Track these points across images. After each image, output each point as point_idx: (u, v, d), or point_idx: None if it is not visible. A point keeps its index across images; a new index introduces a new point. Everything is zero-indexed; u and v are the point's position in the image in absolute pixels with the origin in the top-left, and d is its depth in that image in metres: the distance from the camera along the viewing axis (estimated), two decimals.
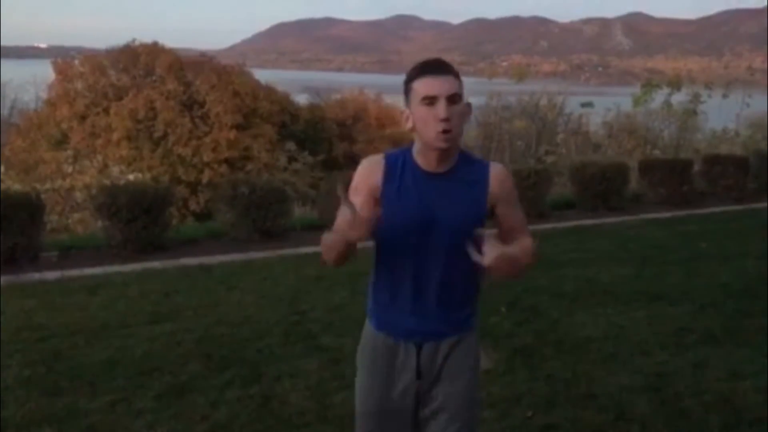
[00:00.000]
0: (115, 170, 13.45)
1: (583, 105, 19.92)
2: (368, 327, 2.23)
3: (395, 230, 1.99)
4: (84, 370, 4.08)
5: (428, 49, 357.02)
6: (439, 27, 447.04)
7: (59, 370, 4.10)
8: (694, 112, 16.65)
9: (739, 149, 15.19)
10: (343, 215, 1.86)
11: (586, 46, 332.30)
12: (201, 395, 3.79)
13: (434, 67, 1.92)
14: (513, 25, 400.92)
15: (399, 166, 2.01)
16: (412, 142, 2.04)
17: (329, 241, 1.97)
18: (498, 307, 5.26)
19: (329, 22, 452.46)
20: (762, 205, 10.15)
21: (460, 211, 1.97)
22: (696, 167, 10.38)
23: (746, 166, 10.26)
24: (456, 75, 1.93)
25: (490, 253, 1.83)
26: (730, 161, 10.29)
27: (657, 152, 15.58)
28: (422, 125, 1.91)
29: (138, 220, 6.77)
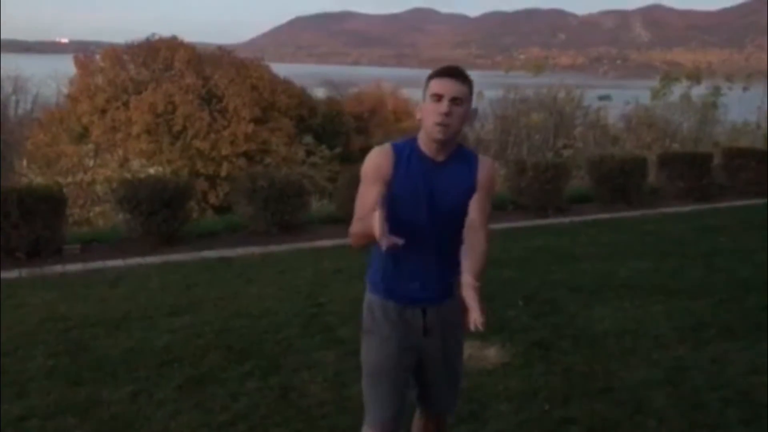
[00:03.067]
0: (135, 164, 13.57)
1: (601, 98, 19.82)
2: (373, 296, 2.50)
3: (403, 209, 2.27)
4: (106, 361, 4.15)
5: (445, 42, 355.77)
6: (457, 20, 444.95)
7: (82, 360, 4.17)
8: (714, 105, 16.52)
9: (760, 142, 15.06)
10: (363, 205, 2.27)
11: (605, 39, 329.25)
12: (221, 386, 3.84)
13: (449, 71, 2.25)
14: (531, 17, 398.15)
15: (406, 153, 2.32)
16: (416, 133, 2.36)
17: (359, 230, 2.23)
18: (515, 301, 5.28)
19: (347, 15, 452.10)
20: None
21: (456, 192, 2.29)
22: (716, 161, 10.29)
23: (765, 160, 10.14)
24: (467, 83, 2.26)
25: (473, 308, 2.07)
26: (750, 154, 10.20)
27: (676, 145, 15.45)
28: (426, 116, 2.25)
29: (158, 213, 6.85)
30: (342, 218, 7.96)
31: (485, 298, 2.10)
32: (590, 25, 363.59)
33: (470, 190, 2.30)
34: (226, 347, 4.39)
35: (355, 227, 2.27)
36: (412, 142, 2.34)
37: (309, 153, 29.49)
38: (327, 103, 39.69)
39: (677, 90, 17.90)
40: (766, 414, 3.59)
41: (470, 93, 2.27)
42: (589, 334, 4.72)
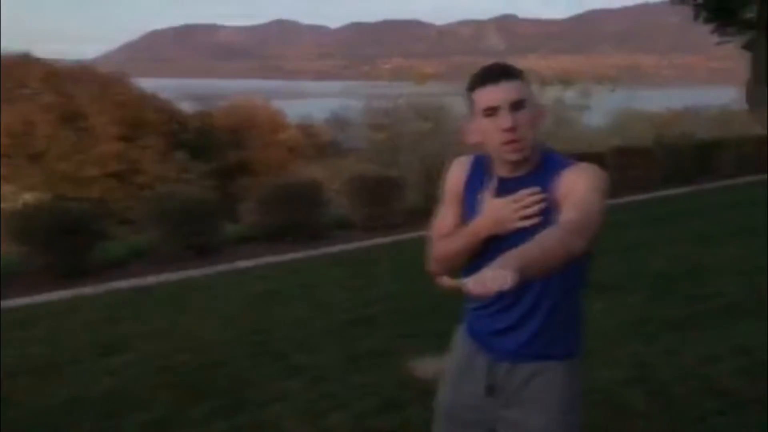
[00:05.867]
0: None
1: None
2: (462, 327, 2.03)
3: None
4: (42, 416, 3.67)
5: (310, 53, 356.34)
6: (319, 31, 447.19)
7: (10, 417, 3.66)
8: (586, 107, 17.48)
9: (617, 141, 15.96)
10: (441, 227, 1.90)
11: (463, 48, 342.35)
12: (184, 430, 3.49)
13: (495, 73, 1.75)
14: (390, 28, 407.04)
15: (481, 170, 1.88)
16: None
17: (454, 247, 1.84)
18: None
19: (208, 29, 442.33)
20: (667, 192, 10.73)
21: (544, 219, 1.73)
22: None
23: (652, 157, 10.78)
24: (521, 78, 1.77)
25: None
26: (637, 152, 10.79)
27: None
28: (487, 138, 1.77)
29: (59, 243, 6.23)
30: (259, 237, 7.64)
31: None
32: (448, 34, 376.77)
33: (550, 208, 1.73)
34: (176, 386, 4.01)
35: (445, 246, 1.85)
36: (490, 157, 1.87)
37: (183, 169, 28.47)
38: (198, 118, 38.58)
39: (550, 93, 18.75)
40: (737, 402, 3.69)
41: (529, 89, 1.79)
42: None
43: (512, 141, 1.73)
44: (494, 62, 1.82)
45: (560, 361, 1.86)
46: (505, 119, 1.71)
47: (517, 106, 1.72)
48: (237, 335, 4.82)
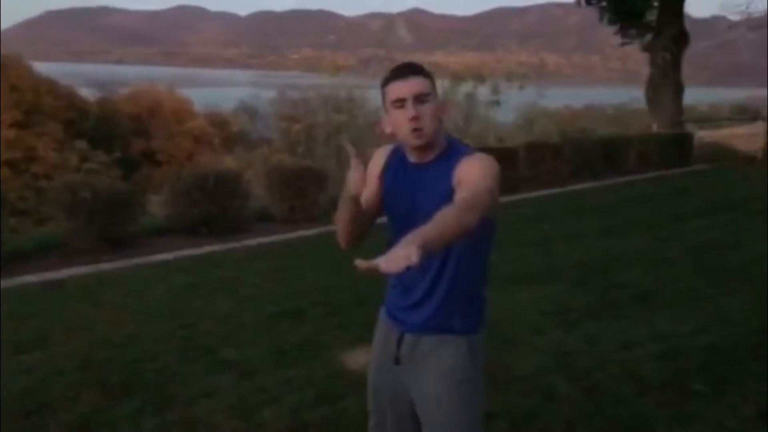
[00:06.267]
0: None
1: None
2: (383, 306, 2.28)
3: (391, 219, 2.12)
4: None
5: (215, 40, 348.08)
6: (226, 18, 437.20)
7: None
8: (497, 103, 17.91)
9: (525, 137, 16.47)
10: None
11: (372, 41, 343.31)
12: (111, 429, 3.35)
13: (401, 71, 2.01)
14: (300, 18, 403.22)
15: (397, 158, 2.13)
16: None
17: (339, 213, 2.05)
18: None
19: (105, 11, 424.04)
20: (576, 187, 11.15)
21: (436, 200, 1.92)
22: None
23: (562, 153, 11.17)
24: (425, 75, 2.02)
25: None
26: (548, 148, 11.15)
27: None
28: (397, 127, 2.01)
29: None
30: (175, 228, 7.42)
31: None
32: (357, 27, 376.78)
33: (447, 194, 1.92)
34: (99, 383, 3.84)
35: (337, 214, 2.06)
36: (404, 146, 2.10)
37: (84, 159, 27.23)
38: (99, 105, 37.04)
39: (462, 90, 19.08)
40: (654, 385, 3.90)
41: (433, 85, 2.03)
42: None
43: (417, 129, 1.96)
44: (404, 61, 2.07)
45: (460, 335, 2.06)
46: (410, 109, 1.95)
47: (421, 98, 1.97)
48: (161, 330, 4.66)
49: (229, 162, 15.91)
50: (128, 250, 6.76)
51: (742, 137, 16.00)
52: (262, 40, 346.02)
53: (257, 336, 4.61)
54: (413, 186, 2.04)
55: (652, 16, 16.38)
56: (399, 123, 1.98)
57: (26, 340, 4.43)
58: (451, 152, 2.03)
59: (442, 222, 1.66)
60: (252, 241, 7.32)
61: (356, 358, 4.18)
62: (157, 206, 8.39)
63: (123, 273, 6.08)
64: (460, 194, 1.85)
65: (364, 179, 1.95)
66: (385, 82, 2.02)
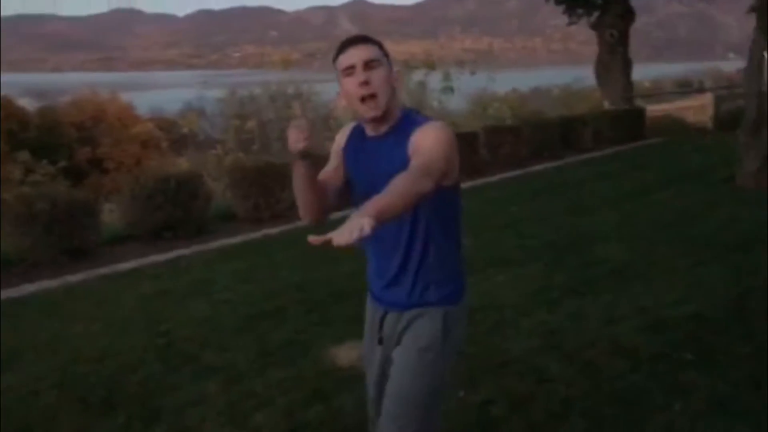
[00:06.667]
0: None
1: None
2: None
3: (355, 193, 2.11)
4: None
5: (156, 43, 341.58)
6: (165, 20, 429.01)
7: None
8: (451, 90, 17.85)
9: (478, 122, 16.54)
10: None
11: (315, 34, 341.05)
12: None
13: (349, 41, 2.00)
14: (240, 15, 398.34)
15: (356, 133, 2.12)
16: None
17: (294, 183, 2.03)
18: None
19: (39, 19, 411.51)
20: (538, 167, 11.21)
21: (394, 171, 1.83)
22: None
23: (521, 134, 11.21)
24: (374, 43, 2.01)
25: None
26: (508, 131, 11.17)
27: None
28: (348, 97, 1.98)
29: None
30: (136, 235, 7.19)
31: None
32: (300, 21, 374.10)
33: (406, 164, 1.86)
34: (81, 400, 3.67)
35: (293, 184, 2.05)
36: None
37: (28, 171, 26.41)
38: (40, 115, 35.98)
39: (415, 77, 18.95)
40: (645, 358, 3.90)
41: (383, 53, 2.00)
42: None
43: (368, 97, 1.93)
44: (353, 35, 2.05)
45: (437, 307, 2.05)
46: (359, 75, 1.93)
47: (370, 64, 1.94)
48: (138, 340, 4.49)
49: (182, 164, 15.53)
50: (90, 260, 6.51)
51: (691, 109, 16.35)
52: (203, 39, 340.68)
53: (238, 339, 4.47)
54: (371, 158, 2.03)
55: None
56: (350, 91, 1.95)
57: None
58: (407, 122, 2.00)
59: (394, 190, 1.66)
60: (218, 243, 7.14)
61: (344, 354, 4.09)
62: (109, 214, 8.11)
63: (89, 284, 5.85)
64: (414, 161, 1.84)
65: (305, 136, 1.90)
66: (336, 55, 2.00)
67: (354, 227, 1.45)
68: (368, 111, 1.95)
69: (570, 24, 17.25)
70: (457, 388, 3.63)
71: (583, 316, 4.62)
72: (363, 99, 1.93)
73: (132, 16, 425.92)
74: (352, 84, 1.94)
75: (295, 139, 1.90)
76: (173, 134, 37.12)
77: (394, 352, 2.09)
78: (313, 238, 1.52)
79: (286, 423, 3.37)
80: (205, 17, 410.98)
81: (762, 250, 5.88)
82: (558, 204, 8.27)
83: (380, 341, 2.14)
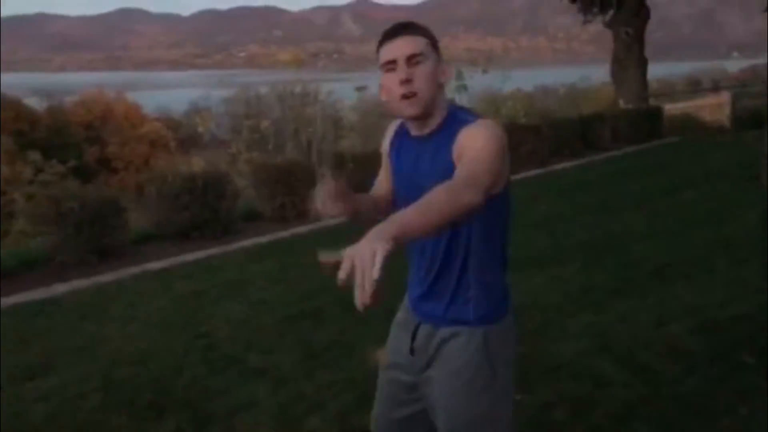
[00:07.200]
0: None
1: (359, 89, 20.33)
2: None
3: (399, 197, 1.95)
4: None
5: (160, 43, 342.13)
6: (170, 19, 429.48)
7: None
8: (465, 88, 17.77)
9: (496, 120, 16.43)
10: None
11: (319, 34, 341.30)
12: None
13: (393, 30, 1.81)
14: (245, 15, 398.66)
15: (401, 132, 1.97)
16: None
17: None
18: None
19: (43, 18, 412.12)
20: (559, 166, 11.13)
21: (438, 176, 1.70)
22: None
23: (541, 133, 11.12)
24: (423, 34, 1.81)
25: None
26: (528, 129, 11.08)
27: None
28: (389, 93, 1.81)
29: None
30: (163, 234, 7.12)
31: None
32: (304, 21, 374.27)
33: (449, 169, 1.70)
34: (128, 404, 3.59)
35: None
36: None
37: (38, 170, 26.38)
38: (49, 114, 36.09)
39: None
40: (701, 362, 3.81)
41: (432, 45, 1.81)
42: None
43: (409, 95, 1.76)
44: (399, 21, 1.86)
45: (475, 326, 1.86)
46: (401, 71, 1.75)
47: (413, 59, 1.76)
48: (178, 341, 4.41)
49: (197, 163, 15.49)
50: (118, 260, 6.44)
51: (707, 108, 16.23)
52: (208, 39, 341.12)
53: (281, 340, 4.39)
54: (414, 160, 1.87)
55: None
56: (390, 88, 1.79)
57: (33, 365, 4.12)
58: (453, 121, 1.81)
59: (429, 204, 1.46)
60: (247, 242, 7.07)
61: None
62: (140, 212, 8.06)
63: (121, 285, 5.77)
64: (459, 170, 1.65)
65: (332, 197, 1.76)
66: (379, 45, 1.82)
67: (367, 257, 1.23)
68: (407, 110, 1.79)
69: (585, 23, 17.15)
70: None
71: (631, 317, 4.53)
72: (404, 97, 1.77)
73: (136, 15, 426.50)
74: (392, 80, 1.77)
75: (322, 208, 1.77)
76: (179, 134, 37.18)
77: (431, 371, 1.92)
78: (324, 258, 1.35)
79: (340, 426, 3.30)
80: (209, 17, 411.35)
81: None
82: (586, 202, 8.18)
83: (412, 351, 1.95)
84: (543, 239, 6.60)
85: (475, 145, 1.69)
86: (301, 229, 7.49)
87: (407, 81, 1.74)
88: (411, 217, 1.40)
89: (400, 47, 1.76)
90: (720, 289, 4.96)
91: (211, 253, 6.63)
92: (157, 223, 7.15)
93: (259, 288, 5.47)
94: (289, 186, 7.74)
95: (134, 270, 6.15)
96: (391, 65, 1.76)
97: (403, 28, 1.79)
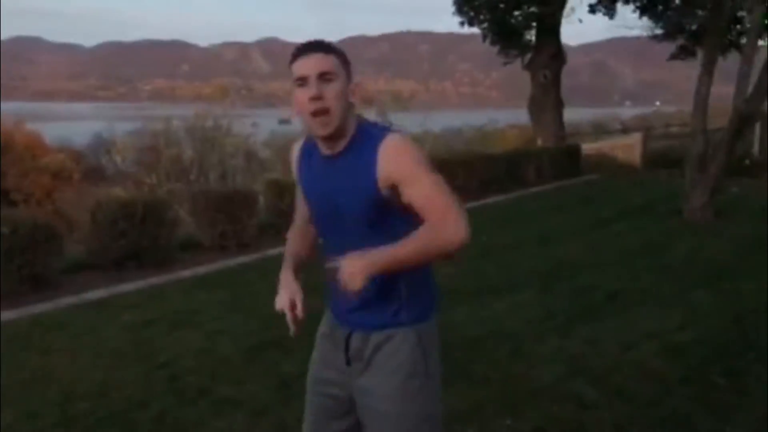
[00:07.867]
0: None
1: (281, 122, 20.27)
2: (327, 303, 2.11)
3: (313, 215, 2.01)
4: None
5: (60, 73, 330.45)
6: (71, 49, 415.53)
7: None
8: (391, 126, 18.05)
9: None
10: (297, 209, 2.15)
11: (228, 70, 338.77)
12: None
13: (305, 47, 1.83)
14: (151, 48, 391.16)
15: (306, 152, 1.97)
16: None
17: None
18: None
19: None
20: (489, 200, 11.34)
21: (356, 199, 1.82)
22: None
23: (472, 168, 11.33)
24: (333, 52, 1.82)
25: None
26: (459, 164, 11.27)
27: None
28: (300, 110, 1.81)
29: None
30: (98, 263, 6.73)
31: None
32: (213, 56, 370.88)
33: (370, 191, 1.79)
34: None
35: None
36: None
37: None
38: None
39: None
40: (673, 383, 3.89)
41: (342, 64, 1.82)
42: (467, 341, 4.60)
43: (319, 112, 1.76)
44: (312, 39, 1.87)
45: (408, 327, 1.89)
46: (312, 87, 1.76)
47: (325, 77, 1.77)
48: (137, 373, 4.12)
49: (118, 193, 14.87)
50: (52, 290, 6.02)
51: (619, 148, 17.05)
52: (112, 71, 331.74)
53: (248, 370, 4.18)
54: (328, 182, 1.87)
55: (530, 36, 17.15)
56: (301, 103, 1.79)
57: None
58: (363, 137, 1.82)
59: (410, 240, 1.74)
60: (187, 272, 6.77)
61: None
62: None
63: (60, 315, 5.37)
64: (422, 207, 1.77)
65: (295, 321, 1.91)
66: (291, 60, 1.82)
67: (350, 281, 1.72)
68: (320, 130, 1.79)
69: (505, 64, 17.75)
70: (498, 416, 3.52)
71: (598, 341, 4.60)
72: (314, 114, 1.77)
73: (34, 44, 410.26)
74: (303, 96, 1.77)
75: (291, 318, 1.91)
76: (82, 166, 35.68)
77: (365, 379, 1.91)
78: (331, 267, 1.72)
79: None
80: (113, 49, 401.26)
81: (737, 278, 6.10)
82: (525, 234, 8.34)
83: (348, 362, 1.93)
84: (492, 268, 6.65)
85: (411, 175, 1.75)
86: (247, 258, 7.27)
87: (318, 98, 1.75)
88: (401, 257, 1.75)
89: (312, 64, 1.77)
90: (674, 314, 5.12)
91: (152, 283, 6.31)
92: (92, 251, 6.76)
93: (214, 317, 5.23)
94: (229, 214, 7.51)
95: (71, 300, 5.77)
96: (302, 81, 1.78)
97: (316, 46, 1.80)
